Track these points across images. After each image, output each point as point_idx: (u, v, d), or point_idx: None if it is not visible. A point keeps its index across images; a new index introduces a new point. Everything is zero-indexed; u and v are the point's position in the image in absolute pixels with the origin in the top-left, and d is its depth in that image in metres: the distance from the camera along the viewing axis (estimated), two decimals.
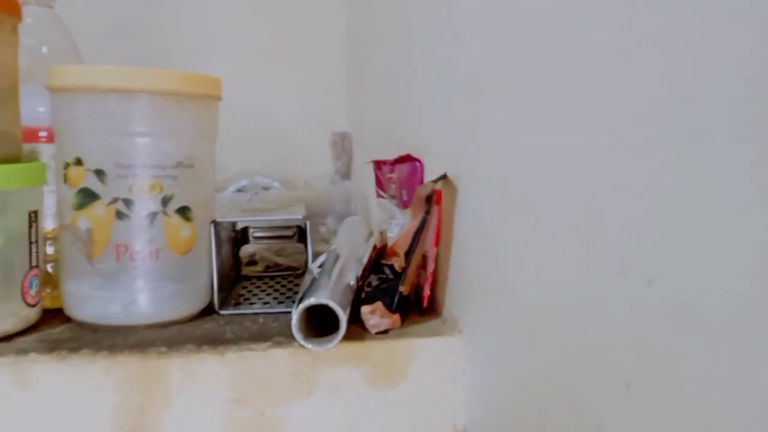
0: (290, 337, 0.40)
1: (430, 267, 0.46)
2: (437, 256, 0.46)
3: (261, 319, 0.47)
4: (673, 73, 0.22)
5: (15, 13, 0.42)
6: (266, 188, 0.74)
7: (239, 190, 0.72)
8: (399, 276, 0.45)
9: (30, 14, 0.48)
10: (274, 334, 0.43)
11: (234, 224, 0.59)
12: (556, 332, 0.30)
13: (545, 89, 0.31)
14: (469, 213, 0.42)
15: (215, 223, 0.48)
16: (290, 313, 0.40)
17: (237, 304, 0.50)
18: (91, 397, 0.38)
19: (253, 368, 0.40)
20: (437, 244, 0.46)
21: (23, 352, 0.39)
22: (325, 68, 0.81)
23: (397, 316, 0.43)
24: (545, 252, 0.31)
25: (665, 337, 0.22)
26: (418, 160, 0.51)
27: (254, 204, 0.68)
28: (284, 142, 0.80)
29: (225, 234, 0.53)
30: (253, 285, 0.57)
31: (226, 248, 0.54)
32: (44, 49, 0.49)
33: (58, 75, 0.42)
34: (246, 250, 0.64)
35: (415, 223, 0.46)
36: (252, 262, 0.65)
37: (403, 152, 0.53)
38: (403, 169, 0.53)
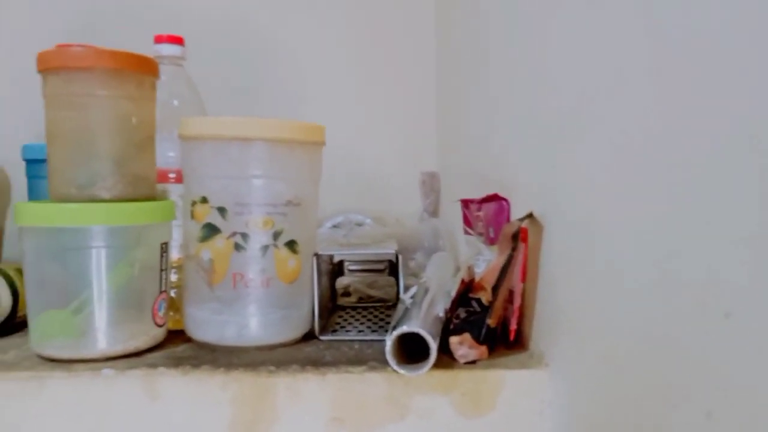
0: (384, 363, 0.44)
1: (517, 302, 0.48)
2: (524, 291, 0.49)
3: (356, 346, 0.50)
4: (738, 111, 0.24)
5: (154, 72, 0.50)
6: (360, 224, 0.78)
7: (335, 226, 0.78)
8: (486, 309, 0.47)
9: (164, 72, 0.55)
10: (369, 359, 0.46)
11: (332, 257, 0.63)
12: (640, 366, 0.31)
13: (627, 132, 0.33)
14: (555, 250, 0.44)
15: (317, 255, 0.52)
16: (384, 340, 0.43)
17: (334, 331, 0.54)
18: (210, 409, 0.43)
19: (351, 390, 0.44)
20: (524, 279, 0.48)
21: (153, 366, 0.44)
22: (415, 111, 0.86)
23: (484, 348, 0.46)
24: (627, 288, 0.33)
25: (744, 368, 0.23)
26: (505, 199, 0.53)
27: (349, 239, 0.72)
28: (376, 181, 0.85)
29: (324, 266, 0.58)
30: (348, 314, 0.62)
31: (325, 279, 0.59)
32: (175, 102, 0.57)
33: (188, 126, 0.49)
34: (341, 282, 0.69)
35: (502, 259, 0.49)
36: (347, 293, 0.69)
37: (490, 191, 0.56)
38: (490, 207, 0.56)
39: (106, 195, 0.47)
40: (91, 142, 0.46)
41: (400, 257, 0.55)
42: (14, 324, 0.55)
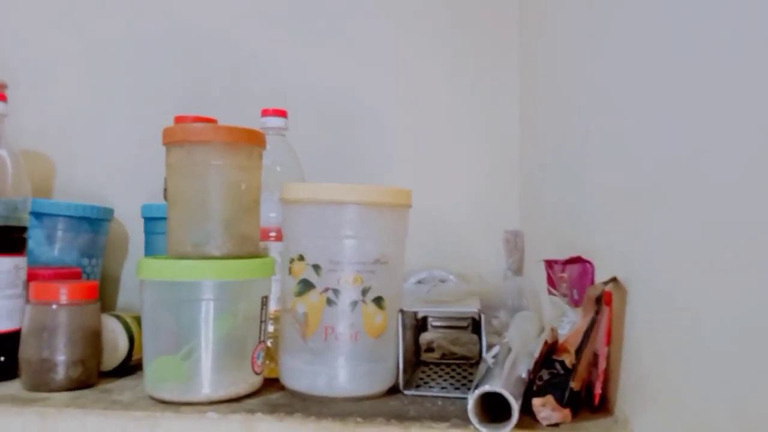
0: (467, 421, 0.45)
1: (602, 366, 0.48)
2: (608, 355, 0.49)
3: (440, 402, 0.52)
4: None
5: (262, 144, 0.56)
6: (443, 281, 0.80)
7: (419, 282, 0.80)
8: (570, 372, 0.47)
9: (269, 141, 0.61)
10: (452, 416, 0.48)
11: (416, 313, 0.66)
12: None
13: (712, 201, 0.34)
14: (639, 315, 0.45)
15: (402, 312, 0.55)
16: (466, 398, 0.44)
17: (418, 386, 0.56)
18: None
19: None
20: (608, 343, 0.48)
21: (251, 411, 0.48)
22: (498, 170, 0.88)
23: (567, 411, 0.46)
24: (715, 358, 0.33)
25: None
26: (589, 262, 0.54)
27: (433, 295, 0.75)
28: (460, 239, 0.87)
29: (408, 322, 0.60)
30: (431, 370, 0.63)
31: (409, 334, 0.61)
32: (278, 168, 0.62)
33: (289, 191, 0.54)
34: (425, 337, 0.71)
35: (586, 322, 0.49)
36: (430, 349, 0.71)
37: (574, 253, 0.56)
38: (575, 269, 0.56)
39: (216, 253, 0.52)
40: (206, 205, 0.52)
41: (483, 316, 0.56)
42: (129, 367, 0.61)
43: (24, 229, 0.59)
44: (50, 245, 0.74)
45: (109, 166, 0.88)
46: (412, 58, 0.89)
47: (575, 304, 0.56)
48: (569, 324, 0.57)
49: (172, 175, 0.53)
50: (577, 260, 0.56)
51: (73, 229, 0.76)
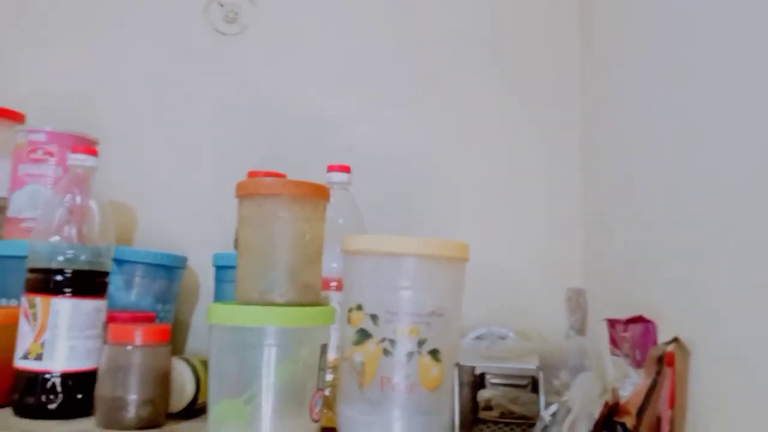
0: None
1: (665, 430, 0.46)
2: (672, 418, 0.47)
3: None
4: None
5: (326, 197, 0.59)
6: (502, 338, 0.80)
7: (478, 338, 0.80)
8: None
9: (333, 195, 0.64)
10: None
11: (473, 369, 0.65)
12: None
13: None
14: (704, 377, 0.43)
15: (459, 365, 0.55)
16: None
17: None
18: None
19: None
20: (672, 407, 0.47)
21: None
22: (561, 227, 0.88)
23: None
24: None
25: None
26: (651, 321, 0.53)
27: (491, 352, 0.74)
28: (520, 296, 0.87)
29: (466, 377, 0.60)
30: (488, 429, 0.62)
31: (467, 391, 0.61)
32: (340, 221, 0.65)
33: (350, 242, 0.56)
34: (482, 395, 0.70)
35: (647, 383, 0.48)
36: (488, 407, 0.70)
37: (637, 312, 0.55)
38: (637, 329, 0.55)
39: (280, 300, 0.54)
40: (272, 255, 0.55)
41: (542, 374, 0.55)
42: (195, 410, 0.63)
43: (106, 274, 0.64)
44: (128, 290, 0.79)
45: (185, 216, 0.94)
46: (473, 114, 0.92)
47: (637, 365, 0.55)
48: (631, 385, 0.55)
49: (243, 225, 0.56)
50: (638, 320, 0.55)
51: (150, 275, 0.81)
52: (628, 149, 0.66)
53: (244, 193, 0.56)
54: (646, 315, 0.54)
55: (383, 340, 0.53)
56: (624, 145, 0.68)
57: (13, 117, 0.85)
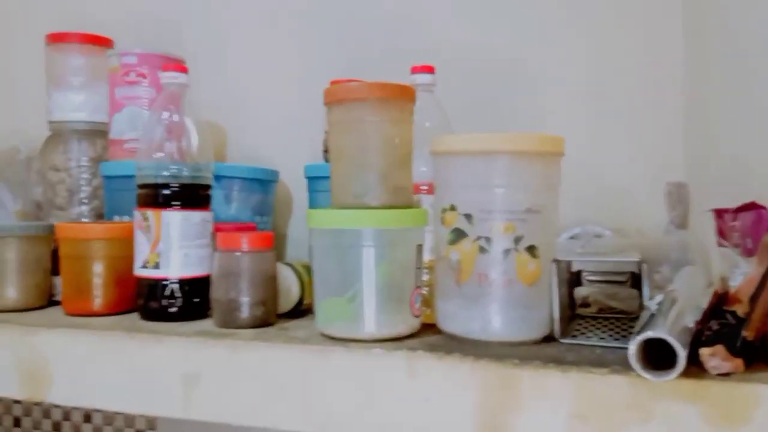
0: (627, 368, 0.44)
1: None
2: None
3: (598, 351, 0.51)
4: None
5: (413, 99, 0.58)
6: (598, 236, 0.78)
7: (572, 238, 0.78)
8: (742, 321, 0.45)
9: (418, 98, 0.63)
10: (612, 363, 0.47)
11: (570, 265, 0.65)
12: None
13: None
14: None
15: (556, 261, 0.55)
16: (626, 349, 0.44)
17: (574, 336, 0.56)
18: (459, 391, 0.48)
19: (593, 390, 0.45)
20: None
21: (413, 349, 0.51)
22: (660, 119, 0.83)
23: (739, 361, 0.43)
24: None
25: None
26: (764, 207, 0.50)
27: (587, 250, 0.73)
28: (616, 192, 0.84)
29: (562, 274, 0.60)
30: (587, 323, 0.62)
31: (564, 288, 0.61)
32: (427, 124, 0.64)
33: (440, 143, 0.56)
34: (579, 293, 0.70)
35: (761, 270, 0.46)
36: (585, 304, 0.70)
37: (746, 200, 0.52)
38: (747, 217, 0.52)
39: (374, 203, 0.55)
40: (364, 159, 0.55)
41: (644, 266, 0.54)
42: (301, 310, 0.67)
43: (209, 187, 0.67)
44: (228, 204, 0.83)
45: (272, 131, 0.96)
46: (557, 4, 0.86)
47: (748, 254, 0.53)
48: (741, 275, 0.53)
49: (334, 132, 0.57)
50: (750, 207, 0.52)
51: (246, 189, 0.84)
52: (735, 28, 0.60)
53: (332, 100, 0.56)
54: (758, 201, 0.51)
55: (479, 238, 0.53)
56: (731, 24, 0.62)
57: (103, 42, 0.88)
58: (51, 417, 1.07)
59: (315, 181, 0.81)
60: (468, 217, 0.53)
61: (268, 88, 0.97)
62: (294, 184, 0.94)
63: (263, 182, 0.86)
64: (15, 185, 0.94)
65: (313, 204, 0.81)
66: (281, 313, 0.65)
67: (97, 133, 0.86)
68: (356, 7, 0.93)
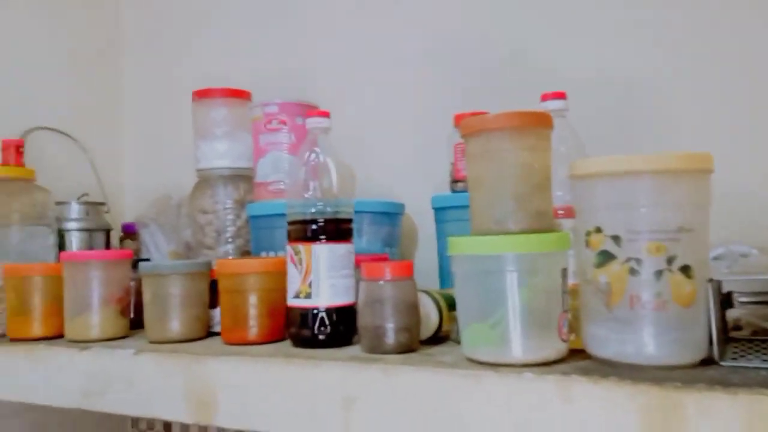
0: None
1: None
2: None
3: (763, 373, 0.49)
4: None
5: (549, 125, 0.59)
6: (744, 255, 0.74)
7: (716, 258, 0.75)
8: None
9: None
10: None
11: (720, 286, 0.62)
12: None
13: None
14: None
15: (712, 280, 0.53)
16: None
17: (734, 359, 0.53)
18: (618, 415, 0.48)
19: (765, 412, 0.43)
20: None
21: (565, 373, 0.51)
22: None
23: None
24: None
25: None
26: None
27: (734, 270, 0.70)
28: (761, 211, 0.79)
29: (717, 295, 0.58)
30: (743, 346, 0.59)
31: (717, 308, 0.58)
32: (562, 149, 0.65)
33: (581, 166, 0.56)
34: (731, 315, 0.66)
35: None
36: (737, 327, 0.66)
37: None
38: None
39: (515, 228, 0.57)
40: (504, 186, 0.57)
41: None
42: (440, 337, 0.69)
43: (350, 221, 0.71)
44: (359, 237, 0.87)
45: (397, 167, 1.01)
46: (690, 25, 0.84)
47: None
48: None
49: (472, 162, 0.59)
50: None
51: (376, 223, 0.89)
52: None
53: (469, 132, 0.59)
54: None
55: (628, 260, 0.53)
56: None
57: (242, 95, 0.97)
58: None
59: (442, 211, 0.84)
60: (615, 238, 0.53)
61: (391, 127, 1.02)
62: (418, 216, 0.98)
63: (391, 215, 0.90)
64: (168, 229, 1.05)
65: (440, 233, 0.84)
66: (422, 340, 0.67)
67: (240, 177, 0.94)
68: (476, 41, 0.96)
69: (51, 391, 0.74)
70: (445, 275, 0.84)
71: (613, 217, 0.54)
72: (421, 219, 0.97)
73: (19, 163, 0.95)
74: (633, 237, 0.53)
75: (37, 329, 0.80)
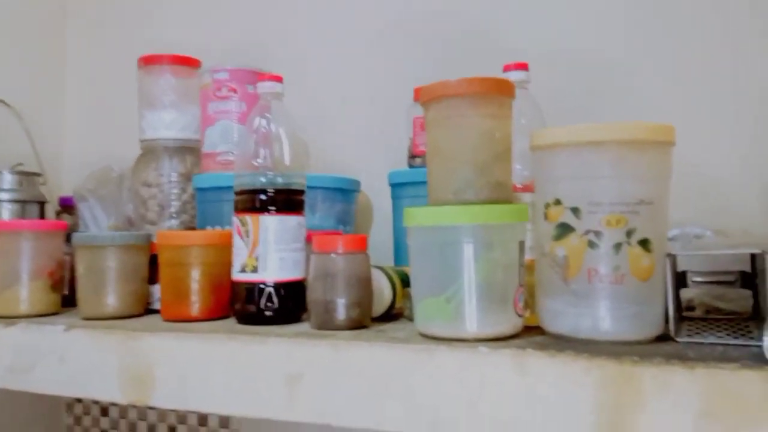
0: (759, 362, 0.41)
1: None
2: None
3: (720, 349, 0.48)
4: None
5: (511, 93, 0.57)
6: (698, 237, 0.74)
7: (670, 240, 0.75)
8: None
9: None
10: (740, 358, 0.44)
11: (675, 262, 0.62)
12: None
13: None
14: None
15: (670, 255, 0.52)
16: (750, 347, 0.41)
17: (689, 335, 0.53)
18: (574, 389, 0.46)
19: (723, 386, 0.42)
20: None
21: (521, 347, 0.49)
22: (764, 114, 0.79)
23: None
24: None
25: None
26: None
27: (687, 251, 0.69)
28: (717, 194, 0.80)
29: (671, 270, 0.57)
30: (697, 324, 0.59)
31: (674, 283, 0.58)
32: (522, 121, 0.63)
33: (542, 136, 0.55)
34: (684, 295, 0.66)
35: None
36: (690, 307, 0.66)
37: None
38: None
39: (474, 199, 0.55)
40: (464, 155, 0.55)
41: (767, 257, 0.51)
42: (392, 314, 0.66)
43: (302, 192, 0.68)
44: (312, 214, 0.84)
45: (353, 142, 0.97)
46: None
47: None
48: None
49: (431, 129, 0.57)
50: None
51: (330, 199, 0.85)
52: None
53: (429, 98, 0.56)
54: None
55: (587, 232, 0.51)
56: None
57: (192, 63, 0.91)
58: (146, 419, 1.09)
59: (399, 187, 0.81)
60: (575, 210, 0.52)
61: (347, 101, 0.98)
62: (374, 193, 0.95)
63: (345, 191, 0.87)
64: (108, 203, 0.98)
65: (397, 210, 0.81)
66: (374, 317, 0.64)
67: (187, 149, 0.89)
68: (436, 14, 0.94)
69: None
70: (400, 254, 0.81)
71: (574, 188, 0.52)
72: (376, 197, 0.94)
73: None
74: (593, 209, 0.51)
75: None
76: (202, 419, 1.04)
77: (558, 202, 0.53)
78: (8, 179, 0.93)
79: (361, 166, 0.94)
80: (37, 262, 0.72)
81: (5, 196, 0.91)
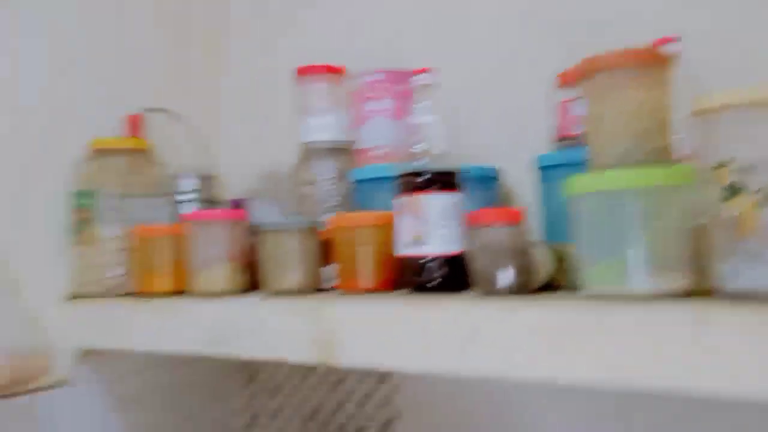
0: None
1: None
2: None
3: None
4: None
5: (669, 65, 0.59)
6: None
7: None
8: None
9: None
10: None
11: None
12: None
13: None
14: None
15: None
16: None
17: None
18: (756, 345, 0.47)
19: None
20: None
21: (697, 303, 0.51)
22: None
23: None
24: None
25: None
26: None
27: None
28: None
29: None
30: None
31: None
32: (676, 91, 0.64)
33: (706, 101, 0.56)
34: None
35: None
36: None
37: None
38: None
39: (638, 164, 0.57)
40: (627, 123, 0.57)
41: None
42: (554, 286, 0.69)
43: (457, 173, 0.73)
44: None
45: (490, 131, 1.01)
46: None
47: None
48: None
49: (593, 102, 0.60)
50: None
51: (474, 188, 0.89)
52: None
53: (584, 73, 0.60)
54: None
55: (759, 190, 0.52)
56: None
57: (341, 71, 1.00)
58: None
59: (550, 169, 0.83)
60: (745, 169, 0.52)
61: (486, 91, 1.02)
62: (515, 180, 0.98)
63: (487, 179, 0.91)
64: (277, 201, 1.10)
65: (548, 192, 0.84)
66: (537, 287, 0.68)
67: (340, 150, 0.98)
68: (573, 8, 0.96)
69: (179, 340, 0.80)
70: (552, 234, 0.83)
71: (742, 148, 0.53)
72: (516, 184, 0.97)
73: (141, 137, 1.03)
74: (764, 167, 0.52)
75: (164, 284, 0.87)
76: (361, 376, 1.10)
77: (726, 164, 0.54)
78: (191, 182, 1.06)
79: (499, 156, 0.97)
80: (229, 246, 0.83)
81: (190, 197, 1.05)
